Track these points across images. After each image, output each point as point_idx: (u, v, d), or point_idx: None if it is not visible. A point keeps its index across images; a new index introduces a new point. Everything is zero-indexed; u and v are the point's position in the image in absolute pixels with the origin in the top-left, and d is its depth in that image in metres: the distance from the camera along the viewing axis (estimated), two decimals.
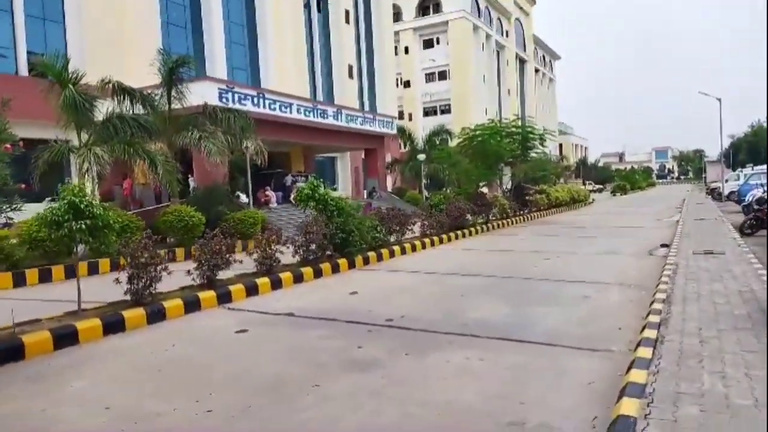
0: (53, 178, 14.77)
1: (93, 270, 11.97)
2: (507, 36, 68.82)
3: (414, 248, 14.25)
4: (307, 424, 3.93)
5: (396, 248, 13.44)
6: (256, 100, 21.55)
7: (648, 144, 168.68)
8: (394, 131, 32.77)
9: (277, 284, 9.26)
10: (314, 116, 24.89)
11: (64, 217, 6.35)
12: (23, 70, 19.91)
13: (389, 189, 34.71)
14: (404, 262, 12.35)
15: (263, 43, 30.28)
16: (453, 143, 32.67)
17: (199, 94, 17.88)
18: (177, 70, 16.88)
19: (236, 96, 20.48)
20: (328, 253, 11.38)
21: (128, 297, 7.32)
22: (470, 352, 5.46)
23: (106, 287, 7.26)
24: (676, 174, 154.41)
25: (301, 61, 32.50)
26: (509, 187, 29.88)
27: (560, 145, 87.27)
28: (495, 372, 4.87)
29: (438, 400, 4.25)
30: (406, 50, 58.90)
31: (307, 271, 10.11)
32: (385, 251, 12.89)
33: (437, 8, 58.87)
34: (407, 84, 58.96)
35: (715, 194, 37.95)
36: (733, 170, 45.34)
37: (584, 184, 69.51)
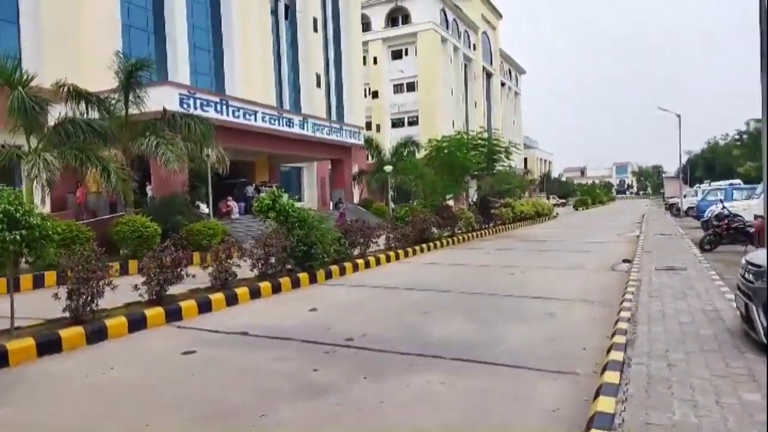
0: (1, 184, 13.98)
1: (39, 283, 11.30)
2: (474, 49, 69.71)
3: (378, 261, 13.96)
4: None
5: (360, 261, 13.12)
6: (219, 106, 21.03)
7: (609, 159, 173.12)
8: (362, 142, 32.55)
9: (232, 300, 8.81)
10: (280, 125, 24.45)
11: None
12: None
13: (356, 200, 34.41)
14: (368, 276, 12.04)
15: (229, 50, 29.73)
16: (420, 155, 32.64)
17: (159, 99, 17.28)
18: (135, 73, 16.26)
19: (198, 102, 19.92)
20: (289, 266, 10.98)
21: (68, 314, 6.80)
22: (431, 375, 5.18)
23: (49, 302, 6.72)
24: (635, 189, 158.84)
25: (268, 68, 32.04)
26: (475, 199, 29.96)
27: (525, 159, 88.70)
28: (456, 397, 4.60)
29: (396, 431, 3.95)
30: (375, 61, 58.98)
31: (265, 286, 9.69)
32: (348, 265, 12.56)
33: (406, 19, 59.24)
34: (375, 95, 58.98)
35: (673, 210, 38.89)
36: (691, 186, 46.72)
37: (548, 197, 70.64)
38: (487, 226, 24.96)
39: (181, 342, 6.58)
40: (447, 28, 61.51)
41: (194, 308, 8.06)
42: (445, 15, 61.34)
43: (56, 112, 15.15)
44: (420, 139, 38.02)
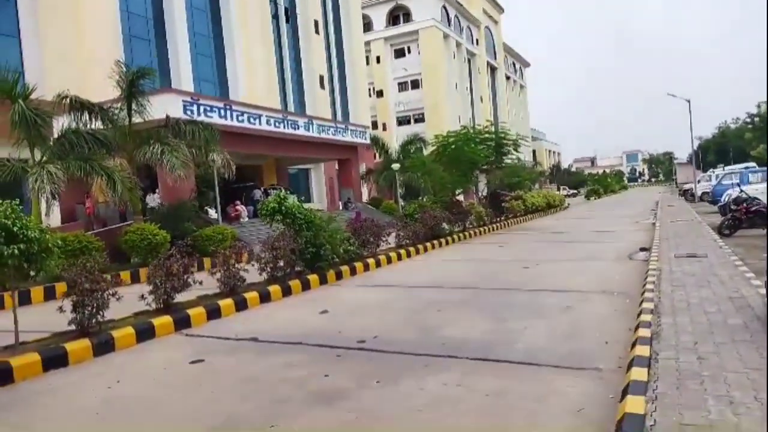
0: (9, 198, 13.93)
1: (50, 295, 11.18)
2: (477, 44, 69.25)
3: (389, 260, 13.74)
4: None
5: (371, 261, 12.91)
6: (222, 111, 20.91)
7: (619, 148, 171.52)
8: (368, 141, 32.33)
9: (241, 305, 8.63)
10: (285, 127, 24.30)
11: None
12: None
13: (365, 199, 34.21)
14: (379, 276, 11.83)
15: (231, 55, 29.64)
16: (427, 151, 32.38)
17: (162, 107, 17.19)
18: (137, 82, 16.16)
19: (202, 108, 19.81)
20: (298, 269, 10.80)
21: (74, 327, 6.65)
22: (447, 376, 4.96)
23: (58, 314, 6.58)
24: (647, 177, 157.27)
25: (271, 72, 31.92)
26: (485, 194, 29.66)
27: (534, 151, 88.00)
28: (474, 400, 4.37)
29: None
30: (378, 60, 58.75)
31: (275, 289, 9.51)
32: (359, 265, 12.35)
33: (407, 18, 58.93)
34: (380, 93, 58.75)
35: (687, 195, 38.33)
36: (703, 171, 46.04)
37: (559, 189, 70.07)
38: (498, 219, 24.65)
39: (189, 351, 6.41)
40: (449, 24, 61.11)
41: (203, 315, 7.89)
42: (446, 11, 60.94)
43: (60, 125, 15.15)
44: (426, 136, 37.76)
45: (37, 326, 7.02)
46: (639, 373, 3.97)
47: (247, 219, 22.34)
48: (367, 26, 55.32)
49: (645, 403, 3.44)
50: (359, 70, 42.82)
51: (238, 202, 22.96)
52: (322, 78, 37.07)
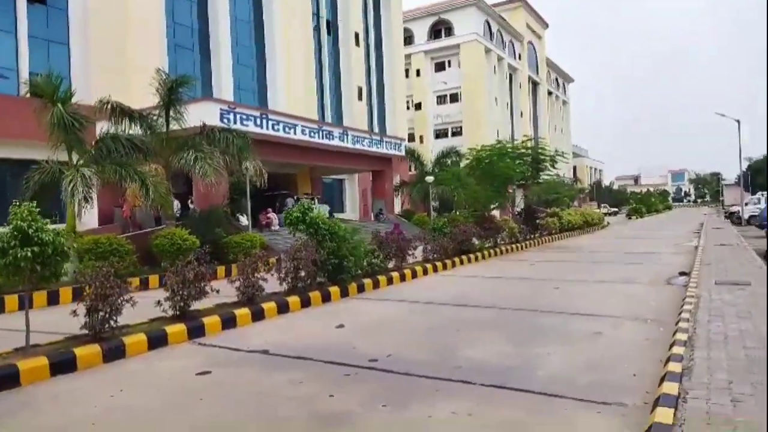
0: (48, 200, 14.30)
1: (78, 295, 11.29)
2: (519, 59, 68.50)
3: (414, 274, 13.44)
4: None
5: (395, 275, 12.65)
6: (258, 120, 21.11)
7: (664, 166, 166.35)
8: (402, 153, 32.17)
9: (258, 315, 8.51)
10: (319, 137, 24.39)
11: (9, 243, 5.71)
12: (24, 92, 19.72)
13: (397, 211, 34.01)
14: (402, 290, 11.55)
15: (271, 65, 30.09)
16: (463, 164, 32.00)
17: (200, 114, 17.47)
18: (176, 90, 16.44)
19: (238, 117, 20.05)
20: (320, 280, 10.63)
21: (86, 331, 6.62)
22: (458, 404, 4.66)
23: (72, 318, 6.58)
24: (693, 197, 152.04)
25: (310, 83, 32.24)
26: (520, 209, 29.02)
27: (574, 168, 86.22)
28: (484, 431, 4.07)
29: None
30: (418, 73, 58.75)
31: (294, 300, 9.36)
32: (382, 278, 12.11)
33: (449, 32, 58.78)
34: (418, 106, 58.66)
35: (734, 218, 36.66)
36: (752, 194, 44.05)
37: (599, 206, 68.26)
38: (532, 236, 24.02)
39: (199, 361, 6.29)
40: (491, 38, 60.68)
41: (218, 324, 7.79)
42: (489, 26, 60.56)
43: (101, 130, 15.53)
44: (463, 150, 37.38)
45: (53, 327, 7.05)
46: (664, 415, 3.59)
47: (278, 227, 22.42)
48: (409, 39, 55.49)
49: None
50: (398, 83, 42.85)
51: (269, 209, 23.09)
52: (360, 90, 37.24)
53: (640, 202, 69.03)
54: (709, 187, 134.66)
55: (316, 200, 27.27)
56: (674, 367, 4.66)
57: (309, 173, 30.19)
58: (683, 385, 4.19)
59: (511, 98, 66.29)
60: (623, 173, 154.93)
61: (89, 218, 18.94)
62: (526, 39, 70.01)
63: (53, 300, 10.62)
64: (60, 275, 6.37)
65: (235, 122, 19.64)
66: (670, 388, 4.10)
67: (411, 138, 52.81)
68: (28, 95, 19.17)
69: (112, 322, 6.67)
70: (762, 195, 35.42)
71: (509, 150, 24.48)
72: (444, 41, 58.61)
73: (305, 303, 9.58)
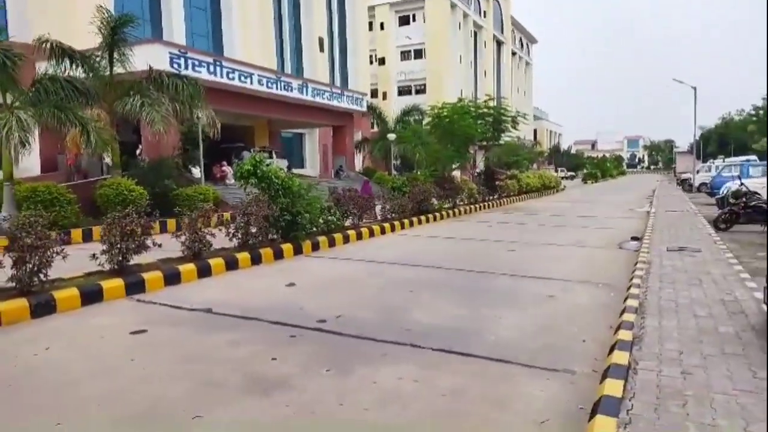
0: None
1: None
2: (485, 16, 67.54)
3: (372, 233, 13.22)
4: None
5: (351, 233, 12.39)
6: (212, 67, 20.09)
7: (620, 132, 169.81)
8: (364, 108, 31.49)
9: (204, 272, 8.13)
10: (277, 88, 23.49)
11: None
12: None
13: (358, 168, 33.55)
14: (358, 249, 11.33)
15: (227, 11, 28.51)
16: (425, 123, 31.61)
17: (149, 58, 16.39)
18: (119, 29, 15.33)
19: (190, 62, 19.01)
20: (273, 237, 10.27)
21: (13, 284, 6.14)
22: (405, 368, 4.49)
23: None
24: (647, 164, 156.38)
25: (268, 32, 30.80)
26: (480, 171, 29.03)
27: (534, 131, 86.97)
28: (428, 400, 3.90)
29: None
30: (382, 26, 57.25)
31: (243, 257, 9.00)
32: (338, 236, 11.83)
33: None
34: (382, 61, 57.39)
35: (685, 185, 37.81)
36: (703, 162, 45.44)
37: (557, 170, 69.39)
38: (491, 198, 24.12)
39: (135, 319, 5.92)
40: None
41: (160, 280, 7.38)
42: None
43: (40, 71, 14.39)
44: (427, 108, 36.90)
45: None
46: (613, 387, 3.48)
47: (233, 181, 21.70)
48: None
49: (616, 427, 2.95)
50: (361, 36, 41.57)
51: (224, 162, 22.30)
52: (321, 40, 35.91)
53: (596, 167, 70.41)
54: (662, 154, 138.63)
55: (274, 154, 26.50)
56: (625, 335, 4.59)
57: (267, 126, 29.23)
58: (633, 355, 4.11)
59: (476, 57, 65.62)
60: (581, 138, 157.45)
61: (31, 164, 17.83)
62: None
63: None
64: None
65: (186, 68, 18.62)
66: (620, 357, 4.01)
67: (374, 94, 51.81)
68: None
69: (41, 276, 6.20)
70: (713, 163, 36.53)
71: (471, 109, 24.17)
72: None
73: (256, 260, 9.24)
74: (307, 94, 25.47)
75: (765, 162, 24.93)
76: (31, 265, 6.10)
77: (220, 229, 8.85)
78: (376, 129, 36.66)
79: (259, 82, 22.32)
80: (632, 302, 5.79)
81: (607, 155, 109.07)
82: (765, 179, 18.37)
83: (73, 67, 15.24)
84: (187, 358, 4.74)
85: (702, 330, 4.72)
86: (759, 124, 55.43)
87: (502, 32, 74.45)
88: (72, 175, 18.51)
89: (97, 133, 13.48)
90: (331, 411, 3.74)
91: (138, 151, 19.52)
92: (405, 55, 58.78)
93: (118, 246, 7.14)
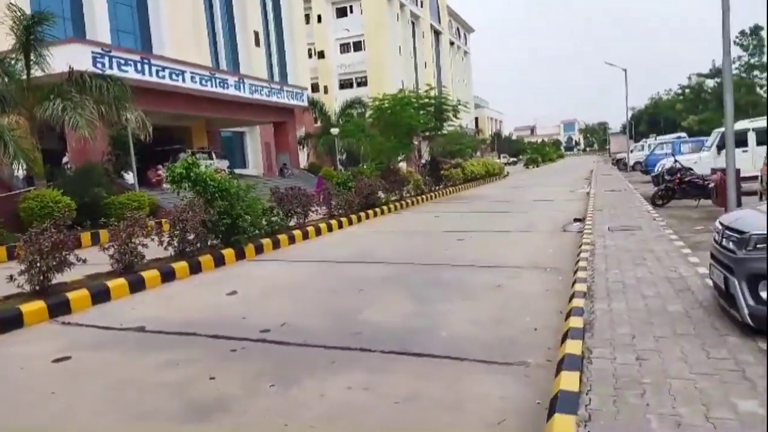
0: None
1: None
2: (422, 6, 67.72)
3: (318, 232, 12.88)
4: None
5: (297, 233, 12.01)
6: (140, 66, 19.10)
7: (557, 117, 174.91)
8: (305, 103, 30.89)
9: (137, 286, 7.59)
10: (212, 86, 22.63)
11: None
12: None
13: (303, 165, 32.94)
14: (303, 250, 10.98)
15: (154, 6, 27.18)
16: (368, 115, 31.31)
17: (70, 58, 15.34)
18: (34, 29, 14.25)
19: (115, 61, 17.98)
20: (213, 243, 9.77)
21: None
22: (355, 376, 4.24)
23: None
24: (583, 146, 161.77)
25: (200, 27, 29.62)
26: (426, 161, 29.04)
27: (476, 119, 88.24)
28: (380, 410, 3.67)
29: None
30: (319, 18, 56.37)
31: (181, 267, 8.49)
32: (283, 237, 11.43)
33: None
34: (321, 55, 56.62)
35: (620, 165, 39.21)
36: (636, 141, 47.26)
37: (499, 157, 70.64)
38: (437, 188, 24.15)
39: (58, 345, 5.40)
40: None
41: (86, 299, 6.82)
42: None
43: None
44: (368, 100, 36.57)
45: None
46: (569, 380, 3.35)
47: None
48: None
49: (575, 426, 2.81)
50: (298, 28, 40.71)
51: (160, 166, 21.29)
52: (257, 35, 34.91)
53: (536, 152, 72.15)
54: (596, 136, 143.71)
55: (214, 155, 25.59)
56: (576, 322, 4.50)
57: (205, 126, 28.22)
58: (586, 343, 4.01)
59: (415, 48, 65.75)
60: (521, 124, 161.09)
61: None
62: None
63: None
64: None
65: (111, 67, 17.60)
66: (574, 346, 3.90)
67: (315, 88, 51.01)
68: None
69: None
70: (645, 142, 37.99)
71: (413, 99, 24.07)
72: None
73: (195, 269, 8.75)
74: (244, 91, 24.69)
75: (695, 139, 26.07)
76: None
77: (152, 239, 8.29)
78: (319, 124, 36.09)
79: (192, 79, 21.43)
80: (580, 286, 5.75)
81: (546, 140, 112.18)
82: (698, 155, 19.14)
83: None
84: (115, 386, 4.32)
85: (651, 311, 4.70)
86: (686, 102, 58.16)
87: (440, 22, 74.93)
88: None
89: (16, 143, 12.51)
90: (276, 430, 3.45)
91: (64, 159, 18.37)
92: (344, 48, 58.17)
93: (38, 265, 6.53)
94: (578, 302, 5.14)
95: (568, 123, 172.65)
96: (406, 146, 23.36)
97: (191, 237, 9.03)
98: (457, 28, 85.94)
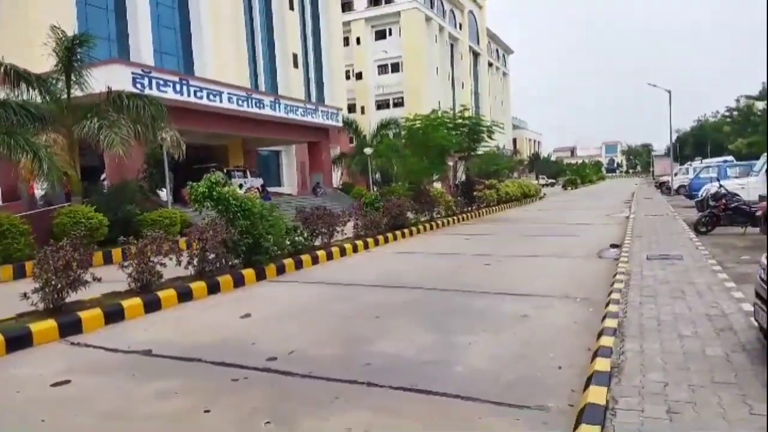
0: None
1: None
2: (460, 29, 67.83)
3: (343, 252, 12.65)
4: None
5: (321, 253, 11.80)
6: (178, 86, 19.49)
7: (599, 138, 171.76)
8: (339, 123, 31.02)
9: (153, 306, 7.47)
10: (248, 106, 22.93)
11: None
12: None
13: (337, 184, 33.00)
14: (326, 271, 10.74)
15: (197, 28, 28.02)
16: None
17: (109, 79, 15.77)
18: (75, 50, 14.70)
19: (154, 82, 18.40)
20: (234, 262, 9.65)
21: None
22: (357, 416, 3.92)
23: None
24: (625, 168, 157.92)
25: (241, 49, 30.33)
26: (460, 181, 28.64)
27: (514, 140, 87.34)
28: None
29: None
30: (358, 41, 57.06)
31: (198, 287, 8.36)
32: (306, 257, 11.24)
33: None
34: (359, 76, 57.15)
35: (663, 188, 37.83)
36: (680, 164, 45.67)
37: (537, 178, 69.54)
38: (469, 209, 23.69)
39: (60, 367, 5.27)
40: (431, 6, 59.56)
41: (99, 318, 6.72)
42: None
43: None
44: (402, 120, 36.48)
45: None
46: None
47: None
48: (348, 6, 53.72)
49: None
50: (336, 51, 41.26)
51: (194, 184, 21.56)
52: (295, 57, 35.52)
53: (576, 173, 70.71)
54: (639, 159, 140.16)
55: (248, 173, 25.87)
56: (602, 364, 4.07)
57: (242, 145, 28.65)
58: (612, 391, 3.59)
59: (452, 69, 65.75)
60: (561, 145, 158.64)
61: None
62: (467, 8, 69.33)
63: None
64: None
65: (150, 88, 18.03)
66: (597, 394, 3.49)
67: (352, 109, 51.46)
68: None
69: None
70: (690, 165, 36.61)
71: (446, 120, 23.80)
72: (384, 8, 56.99)
73: (213, 289, 8.61)
74: (279, 111, 24.94)
75: (743, 162, 24.89)
76: None
77: (170, 258, 8.19)
78: (354, 144, 36.20)
79: (229, 99, 21.75)
80: (611, 321, 5.29)
81: (587, 161, 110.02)
82: (746, 179, 18.17)
83: (29, 90, 14.59)
84: (107, 416, 4.12)
85: (688, 354, 4.22)
86: (734, 125, 56.04)
87: (478, 44, 74.84)
88: (35, 204, 17.74)
89: (50, 159, 12.80)
90: None
91: (102, 177, 18.81)
92: (382, 69, 58.59)
93: (53, 283, 6.49)
94: (607, 341, 4.70)
95: (611, 144, 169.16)
96: (439, 167, 23.03)
97: (211, 256, 8.92)
98: (496, 50, 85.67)
